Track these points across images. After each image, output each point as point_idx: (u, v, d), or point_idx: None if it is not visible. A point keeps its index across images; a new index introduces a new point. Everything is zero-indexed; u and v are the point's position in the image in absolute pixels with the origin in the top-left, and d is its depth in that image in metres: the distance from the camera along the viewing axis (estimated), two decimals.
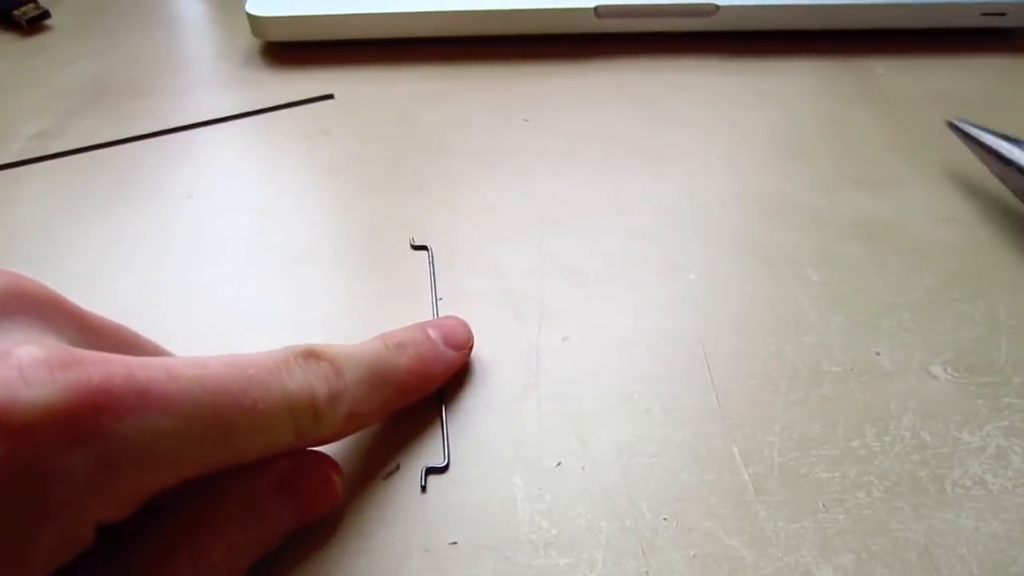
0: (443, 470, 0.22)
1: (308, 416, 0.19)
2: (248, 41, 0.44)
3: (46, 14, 0.46)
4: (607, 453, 0.22)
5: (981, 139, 0.30)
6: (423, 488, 0.22)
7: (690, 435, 0.23)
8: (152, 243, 0.30)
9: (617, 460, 0.22)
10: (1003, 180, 0.30)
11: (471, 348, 0.25)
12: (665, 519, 0.21)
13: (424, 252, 0.29)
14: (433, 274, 0.28)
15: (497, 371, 0.25)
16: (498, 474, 0.22)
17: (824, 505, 0.21)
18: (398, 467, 0.22)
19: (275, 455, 0.20)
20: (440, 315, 0.27)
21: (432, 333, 0.23)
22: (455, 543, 0.20)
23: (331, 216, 0.31)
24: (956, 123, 0.32)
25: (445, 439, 0.23)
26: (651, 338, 0.26)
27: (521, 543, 0.20)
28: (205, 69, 0.42)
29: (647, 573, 0.20)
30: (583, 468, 0.22)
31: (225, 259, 0.29)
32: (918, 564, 0.20)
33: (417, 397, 0.23)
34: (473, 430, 0.23)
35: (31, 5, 0.45)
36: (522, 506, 0.21)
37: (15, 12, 0.45)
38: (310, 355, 0.19)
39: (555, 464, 0.22)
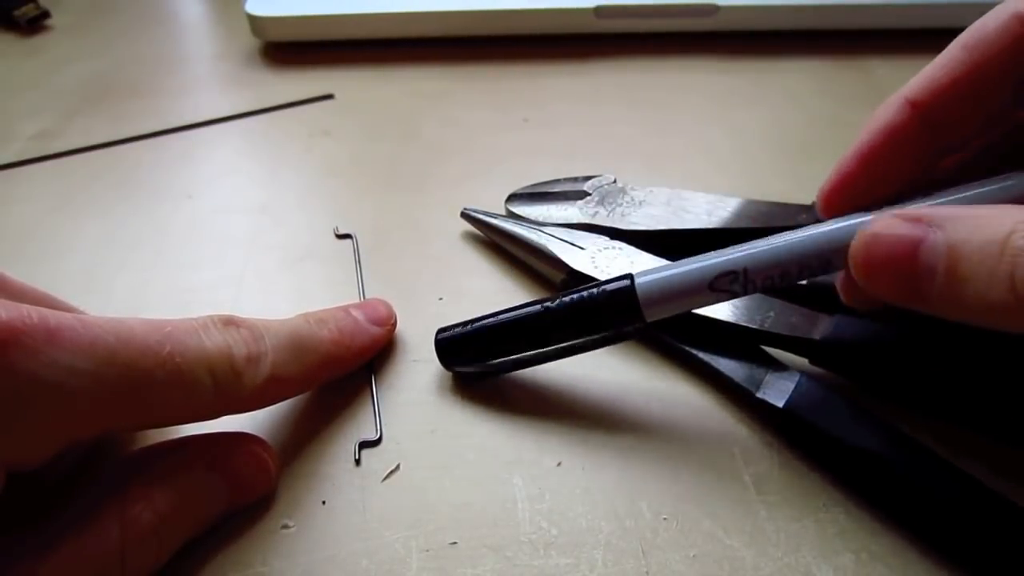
0: (375, 443, 0.23)
1: (228, 373, 0.19)
2: (248, 41, 0.44)
3: (46, 14, 0.46)
4: (607, 453, 0.22)
5: None
6: (357, 462, 0.22)
7: (690, 435, 0.23)
8: (152, 243, 0.30)
9: (617, 460, 0.22)
10: None
11: (394, 324, 0.25)
12: (665, 519, 0.21)
13: (350, 240, 0.29)
14: (359, 261, 0.28)
15: None
16: (498, 474, 0.22)
17: (824, 505, 0.21)
18: (398, 467, 0.22)
19: (209, 438, 0.20)
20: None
21: (354, 311, 0.24)
22: (455, 543, 0.20)
23: (331, 216, 0.31)
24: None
25: (377, 414, 0.23)
26: (651, 337, 0.26)
27: (521, 543, 0.20)
28: (205, 69, 0.42)
29: (647, 573, 0.20)
30: (583, 468, 0.22)
31: (225, 259, 0.29)
32: (918, 563, 0.20)
33: (344, 369, 0.23)
34: (473, 429, 0.23)
35: (31, 5, 0.45)
36: (522, 506, 0.21)
37: (15, 12, 0.45)
38: (229, 322, 0.20)
39: (555, 464, 0.22)
